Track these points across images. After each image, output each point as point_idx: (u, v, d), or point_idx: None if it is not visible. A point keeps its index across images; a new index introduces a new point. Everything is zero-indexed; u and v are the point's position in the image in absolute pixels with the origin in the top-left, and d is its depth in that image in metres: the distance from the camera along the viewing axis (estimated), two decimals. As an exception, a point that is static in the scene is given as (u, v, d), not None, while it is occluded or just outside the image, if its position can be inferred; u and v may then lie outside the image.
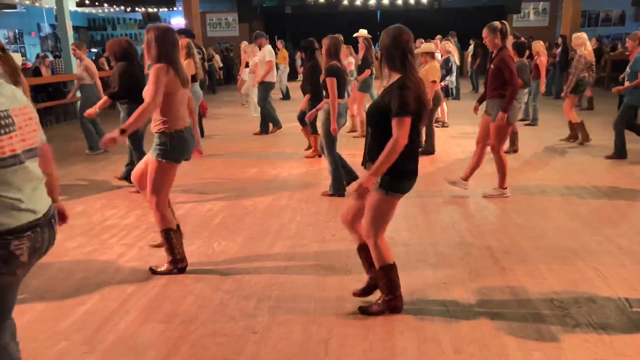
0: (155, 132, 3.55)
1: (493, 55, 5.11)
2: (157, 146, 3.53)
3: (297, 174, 6.51)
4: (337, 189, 5.46)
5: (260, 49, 9.26)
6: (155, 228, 3.84)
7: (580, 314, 3.07)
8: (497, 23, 5.04)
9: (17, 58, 16.11)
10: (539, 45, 9.39)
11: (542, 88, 9.50)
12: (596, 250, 4.00)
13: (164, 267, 3.71)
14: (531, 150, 7.58)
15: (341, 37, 5.43)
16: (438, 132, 9.07)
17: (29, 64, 14.96)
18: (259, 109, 9.52)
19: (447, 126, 9.65)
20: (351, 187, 2.94)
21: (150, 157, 3.61)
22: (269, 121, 9.18)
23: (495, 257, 3.90)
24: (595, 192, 5.54)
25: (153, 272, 3.72)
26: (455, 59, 9.39)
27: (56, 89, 11.94)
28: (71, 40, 11.88)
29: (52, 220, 2.07)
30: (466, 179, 5.49)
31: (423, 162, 7.00)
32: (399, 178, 2.87)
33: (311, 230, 4.54)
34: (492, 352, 2.71)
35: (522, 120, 9.66)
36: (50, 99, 11.53)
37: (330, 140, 5.34)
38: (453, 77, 9.45)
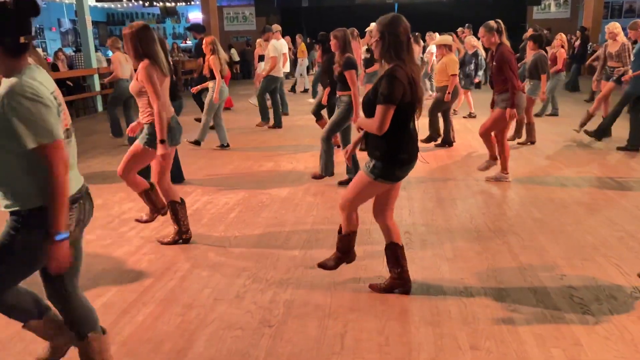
0: (145, 123, 3.85)
1: (493, 53, 5.30)
2: (146, 135, 3.82)
3: (313, 167, 6.49)
4: (326, 170, 5.74)
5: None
6: (170, 224, 4.14)
7: (600, 310, 3.02)
8: (492, 23, 5.23)
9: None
10: (562, 38, 9.16)
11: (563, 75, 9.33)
12: (617, 246, 3.93)
13: (169, 238, 4.13)
14: (550, 144, 7.46)
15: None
16: (462, 123, 9.00)
17: (50, 59, 15.17)
18: (255, 99, 9.52)
19: (474, 116, 9.57)
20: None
21: (137, 143, 3.89)
22: (261, 113, 9.12)
23: (513, 252, 3.85)
24: (616, 186, 5.43)
25: (161, 243, 4.14)
26: (482, 52, 9.25)
27: (76, 83, 12.09)
28: (91, 35, 12.02)
29: (88, 192, 2.26)
30: (504, 170, 5.66)
31: (440, 154, 7.00)
32: (390, 166, 2.91)
33: (327, 224, 4.53)
34: (510, 349, 2.68)
35: (549, 115, 9.54)
36: (70, 94, 11.68)
37: (335, 130, 5.51)
38: (481, 72, 9.32)
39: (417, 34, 12.54)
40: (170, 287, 3.44)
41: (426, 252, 3.88)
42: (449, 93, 7.02)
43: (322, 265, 3.37)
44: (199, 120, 8.90)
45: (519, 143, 7.41)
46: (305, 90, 14.49)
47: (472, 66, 9.03)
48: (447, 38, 7.42)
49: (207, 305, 3.19)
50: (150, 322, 3.01)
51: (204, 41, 7.59)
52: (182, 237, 4.11)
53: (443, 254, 3.85)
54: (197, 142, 7.51)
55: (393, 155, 2.89)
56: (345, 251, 3.31)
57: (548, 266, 3.61)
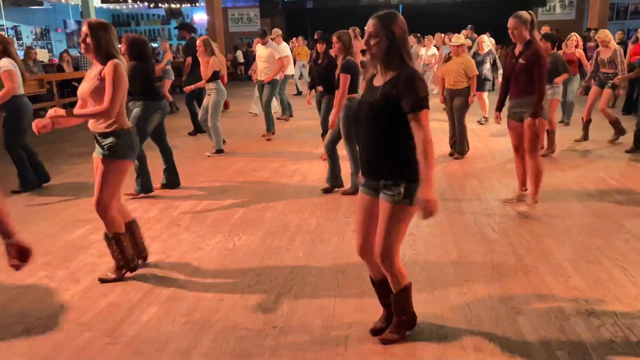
0: (109, 131, 3.36)
1: (520, 50, 4.61)
2: (112, 146, 3.35)
3: (317, 169, 6.51)
4: (333, 180, 5.49)
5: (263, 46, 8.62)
6: (174, 225, 3.96)
7: (605, 313, 3.00)
8: (526, 14, 4.58)
9: (44, 54, 16.49)
10: (576, 38, 8.91)
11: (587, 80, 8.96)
12: (623, 249, 3.91)
13: (113, 275, 3.56)
14: (557, 146, 7.42)
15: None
16: (468, 126, 8.93)
17: (56, 60, 15.24)
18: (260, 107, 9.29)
19: (485, 120, 9.43)
20: (420, 209, 2.46)
21: (104, 160, 3.38)
22: (267, 121, 8.69)
23: (518, 254, 3.84)
24: (623, 189, 5.41)
25: (102, 281, 3.54)
26: (494, 51, 9.19)
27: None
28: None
29: None
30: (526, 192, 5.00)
31: (445, 157, 6.98)
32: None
33: (331, 225, 4.53)
34: (514, 351, 2.67)
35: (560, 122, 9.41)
36: (75, 94, 11.73)
37: (348, 133, 5.27)
38: (500, 71, 9.23)
39: (418, 34, 12.56)
40: (175, 287, 3.45)
41: (430, 254, 3.87)
42: (473, 95, 6.82)
43: (386, 342, 2.76)
44: (192, 134, 8.93)
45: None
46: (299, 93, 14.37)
47: (488, 66, 8.89)
48: (462, 37, 7.34)
49: (212, 305, 3.20)
50: (155, 322, 3.02)
51: (197, 41, 7.38)
52: (129, 266, 3.61)
53: (447, 256, 3.84)
54: (219, 151, 7.37)
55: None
56: (410, 310, 2.77)
57: (553, 268, 3.60)
